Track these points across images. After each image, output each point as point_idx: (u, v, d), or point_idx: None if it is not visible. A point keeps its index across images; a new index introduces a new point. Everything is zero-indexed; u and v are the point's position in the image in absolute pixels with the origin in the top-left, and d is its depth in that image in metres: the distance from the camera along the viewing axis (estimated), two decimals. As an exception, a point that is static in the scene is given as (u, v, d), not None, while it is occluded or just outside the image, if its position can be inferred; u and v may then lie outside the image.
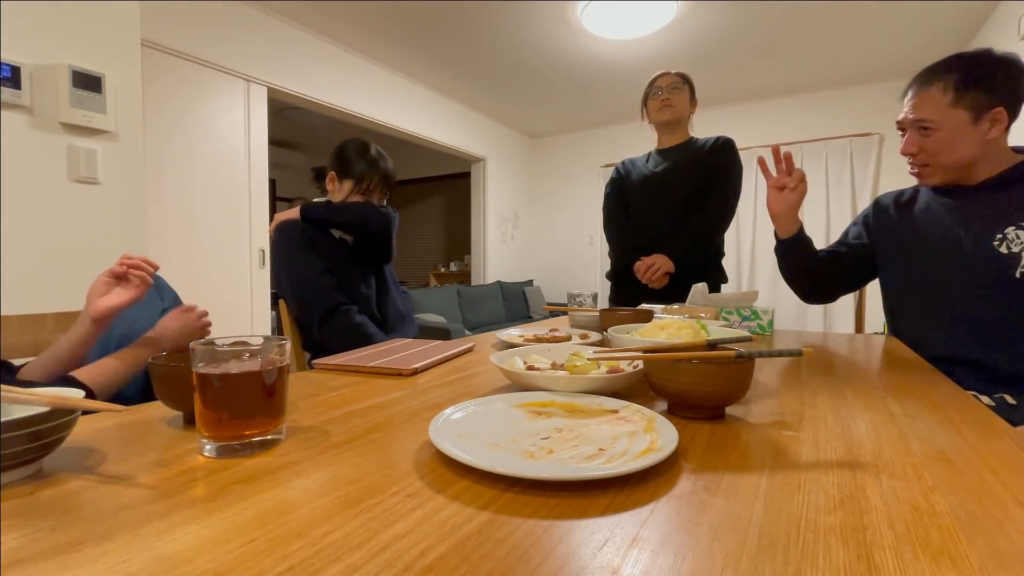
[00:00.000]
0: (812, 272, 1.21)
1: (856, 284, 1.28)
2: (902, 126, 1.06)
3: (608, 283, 1.91)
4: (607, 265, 1.91)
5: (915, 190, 1.18)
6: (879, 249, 1.19)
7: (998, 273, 0.95)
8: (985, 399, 0.90)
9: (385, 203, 1.44)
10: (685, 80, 1.68)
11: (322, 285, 1.30)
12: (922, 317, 1.08)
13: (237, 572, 0.26)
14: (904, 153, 1.06)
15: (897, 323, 1.17)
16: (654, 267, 1.63)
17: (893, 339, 1.14)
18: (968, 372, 0.96)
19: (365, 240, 1.42)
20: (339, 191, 1.40)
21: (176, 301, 1.04)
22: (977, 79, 0.96)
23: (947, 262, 1.03)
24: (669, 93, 1.67)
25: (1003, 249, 0.95)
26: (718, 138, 1.70)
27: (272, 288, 3.34)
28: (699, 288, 1.26)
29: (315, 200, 1.40)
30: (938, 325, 1.04)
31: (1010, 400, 0.89)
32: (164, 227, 2.58)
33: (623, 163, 1.85)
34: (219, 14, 2.81)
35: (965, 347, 0.98)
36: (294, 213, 1.36)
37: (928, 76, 1.01)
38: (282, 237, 1.33)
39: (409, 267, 6.98)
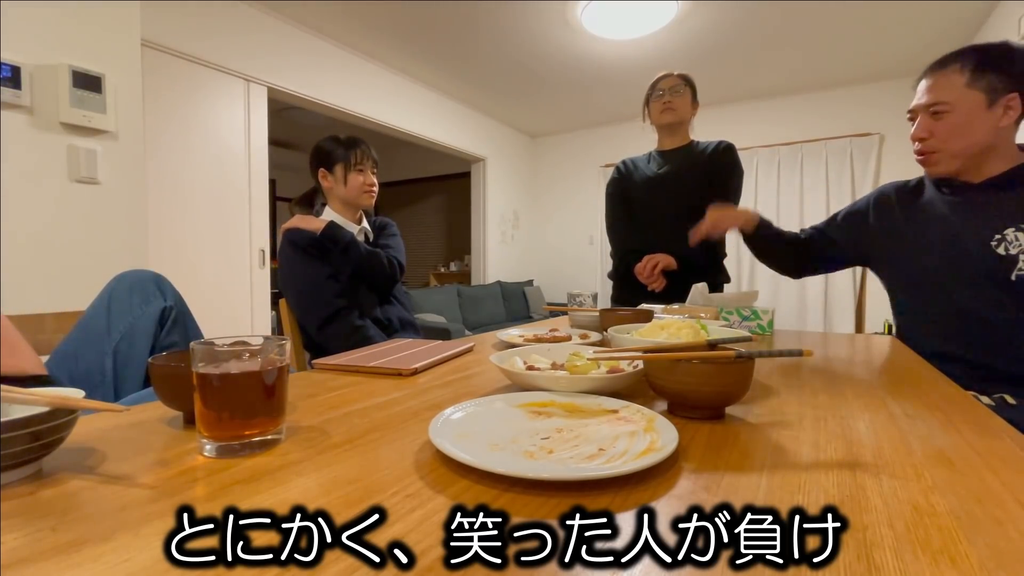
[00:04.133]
0: (774, 257, 1.36)
1: (824, 268, 1.33)
2: (914, 113, 1.04)
3: (609, 283, 1.91)
4: (607, 265, 1.91)
5: (920, 180, 1.16)
6: (879, 243, 1.17)
7: (995, 274, 0.94)
8: (985, 399, 0.90)
9: (375, 176, 1.49)
10: (687, 82, 1.68)
11: (325, 290, 1.33)
12: (922, 313, 1.08)
13: (237, 572, 0.26)
14: (914, 138, 1.04)
15: (898, 318, 1.16)
16: (653, 264, 1.63)
17: (893, 339, 1.13)
18: (967, 371, 0.95)
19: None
20: (336, 181, 1.43)
21: (179, 301, 1.04)
22: (994, 63, 0.95)
23: (946, 260, 1.02)
24: (671, 95, 1.67)
25: (1001, 250, 0.94)
26: (719, 142, 1.70)
27: (274, 288, 3.35)
28: (699, 288, 1.26)
29: (344, 228, 1.41)
30: (937, 322, 1.03)
31: (1010, 400, 0.89)
32: (164, 227, 2.58)
33: (624, 163, 1.85)
34: (219, 14, 2.81)
35: (964, 346, 0.98)
36: (315, 224, 1.37)
37: (944, 60, 1.00)
38: (290, 243, 1.36)
39: (409, 267, 6.98)
